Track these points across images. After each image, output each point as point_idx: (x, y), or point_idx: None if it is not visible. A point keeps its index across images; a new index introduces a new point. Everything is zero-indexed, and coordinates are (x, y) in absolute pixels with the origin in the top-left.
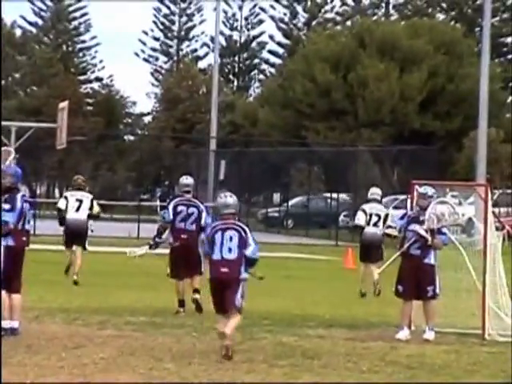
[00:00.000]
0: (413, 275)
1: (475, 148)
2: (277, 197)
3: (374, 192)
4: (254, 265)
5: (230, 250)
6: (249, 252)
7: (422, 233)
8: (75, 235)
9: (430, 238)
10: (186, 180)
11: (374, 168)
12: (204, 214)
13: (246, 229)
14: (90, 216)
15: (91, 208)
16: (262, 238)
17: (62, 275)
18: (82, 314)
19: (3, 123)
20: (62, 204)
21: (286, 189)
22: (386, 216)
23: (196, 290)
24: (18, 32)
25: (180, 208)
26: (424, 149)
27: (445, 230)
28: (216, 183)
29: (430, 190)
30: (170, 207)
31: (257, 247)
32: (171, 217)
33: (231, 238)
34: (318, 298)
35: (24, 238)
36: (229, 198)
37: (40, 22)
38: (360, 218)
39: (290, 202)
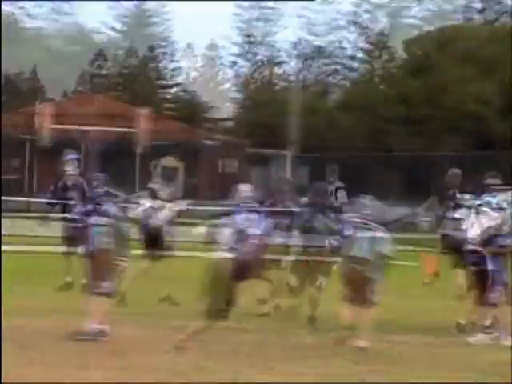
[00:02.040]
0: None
1: None
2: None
3: (461, 198)
4: None
5: (362, 248)
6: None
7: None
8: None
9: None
10: (247, 187)
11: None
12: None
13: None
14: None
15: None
16: None
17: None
18: (161, 319)
19: (85, 128)
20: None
21: (367, 194)
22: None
23: None
24: (99, 37)
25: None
26: (505, 154)
27: (491, 231)
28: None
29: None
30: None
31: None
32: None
33: (365, 238)
34: (400, 303)
35: None
36: (367, 200)
37: (121, 27)
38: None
39: None
